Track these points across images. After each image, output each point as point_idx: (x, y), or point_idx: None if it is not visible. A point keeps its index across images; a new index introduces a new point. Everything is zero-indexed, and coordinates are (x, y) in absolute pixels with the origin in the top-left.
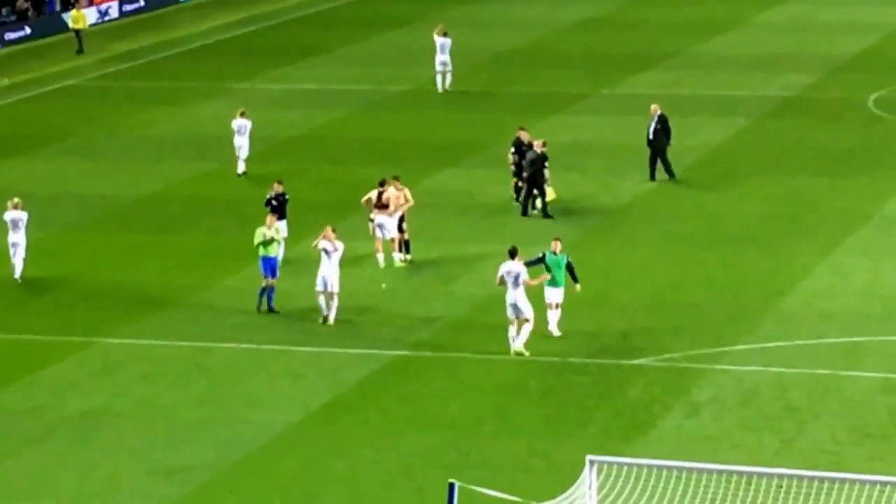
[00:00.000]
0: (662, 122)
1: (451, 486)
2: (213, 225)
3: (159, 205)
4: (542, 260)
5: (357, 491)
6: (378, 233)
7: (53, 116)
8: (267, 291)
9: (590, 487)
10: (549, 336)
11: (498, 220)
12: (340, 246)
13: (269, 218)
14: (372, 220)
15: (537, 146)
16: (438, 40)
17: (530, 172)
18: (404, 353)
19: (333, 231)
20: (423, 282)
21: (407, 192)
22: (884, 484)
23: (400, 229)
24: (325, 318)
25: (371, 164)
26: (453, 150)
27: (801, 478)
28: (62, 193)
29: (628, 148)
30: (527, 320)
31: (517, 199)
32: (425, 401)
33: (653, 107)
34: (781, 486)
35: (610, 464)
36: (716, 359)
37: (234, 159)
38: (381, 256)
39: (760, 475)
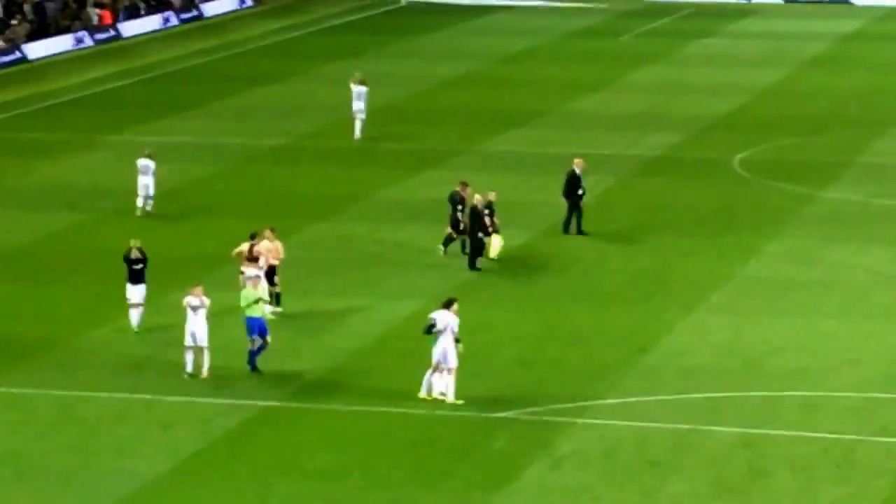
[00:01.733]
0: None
1: None
2: (85, 276)
3: (32, 255)
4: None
5: None
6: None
7: None
8: (257, 351)
9: None
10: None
11: (368, 274)
12: (207, 301)
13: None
14: (242, 273)
15: (478, 200)
16: (355, 88)
17: (470, 225)
18: (273, 403)
19: (199, 286)
20: (293, 334)
21: (279, 245)
22: None
23: (271, 282)
24: (192, 375)
25: (243, 217)
26: (325, 203)
27: None
28: None
29: (500, 204)
30: (450, 369)
31: (444, 246)
32: (293, 451)
33: (576, 161)
34: None
35: None
36: (579, 413)
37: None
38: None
39: None
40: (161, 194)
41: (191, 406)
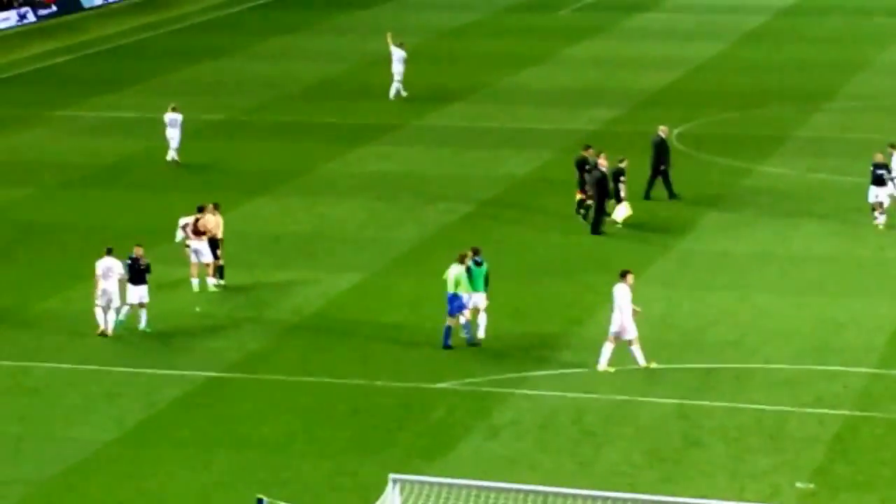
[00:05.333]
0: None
1: (260, 502)
2: (32, 249)
3: None
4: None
5: None
6: (193, 258)
7: None
8: (465, 328)
9: None
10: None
11: (308, 247)
12: (118, 267)
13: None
14: (188, 246)
15: (602, 165)
16: (395, 52)
17: (595, 190)
18: (217, 374)
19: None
20: (236, 306)
21: (220, 219)
22: None
23: (215, 255)
24: (104, 332)
25: (186, 191)
26: (265, 178)
27: (595, 499)
28: None
29: (436, 178)
30: (632, 339)
31: (578, 212)
32: (237, 421)
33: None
34: None
35: (412, 482)
36: (517, 384)
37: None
38: (195, 281)
39: (556, 495)
40: (103, 168)
41: (136, 376)
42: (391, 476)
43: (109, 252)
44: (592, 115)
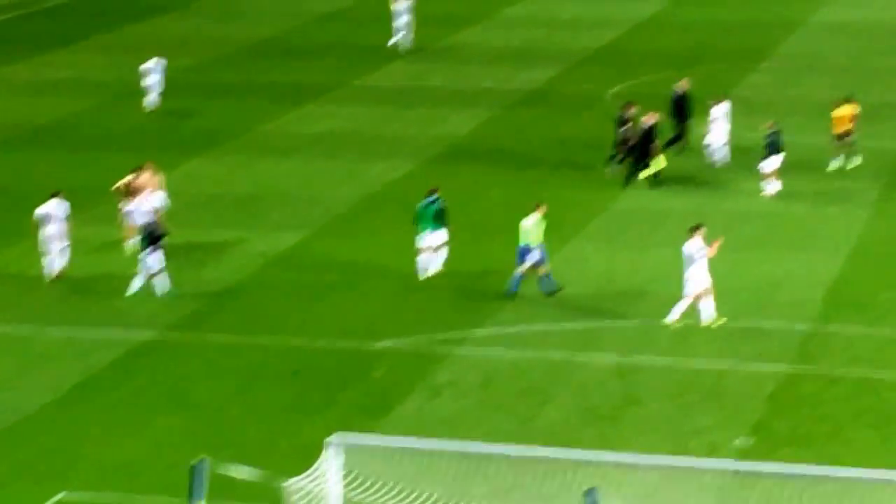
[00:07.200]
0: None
1: (199, 463)
2: None
3: None
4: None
5: (107, 470)
6: (129, 219)
7: None
8: (541, 278)
9: (333, 465)
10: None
11: (248, 207)
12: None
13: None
14: (122, 207)
15: (643, 122)
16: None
17: (630, 146)
18: (154, 336)
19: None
20: (174, 267)
21: (159, 178)
22: (612, 463)
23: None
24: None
25: (124, 151)
26: (206, 138)
27: (536, 456)
28: None
29: (378, 137)
30: (702, 293)
31: (609, 161)
32: (174, 383)
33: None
34: None
35: (352, 443)
36: (457, 343)
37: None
38: (131, 242)
39: (497, 454)
40: (39, 128)
41: (72, 339)
42: (331, 437)
43: (55, 195)
44: (531, 75)
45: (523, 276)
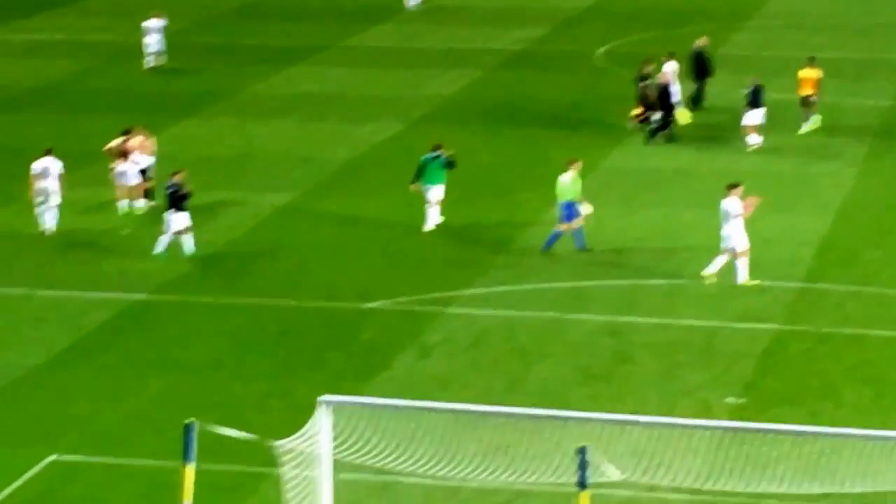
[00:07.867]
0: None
1: (190, 425)
2: None
3: None
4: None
5: (98, 431)
6: (120, 180)
7: None
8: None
9: (324, 426)
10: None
11: (237, 168)
12: (56, 166)
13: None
14: (112, 169)
15: (661, 77)
16: None
17: (649, 104)
18: (145, 297)
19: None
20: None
21: (152, 140)
22: (605, 421)
23: (144, 177)
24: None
25: (114, 113)
26: (195, 100)
27: (528, 416)
28: None
29: (365, 98)
30: (741, 252)
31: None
32: (165, 344)
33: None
34: None
35: (343, 403)
36: (447, 302)
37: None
38: (123, 203)
39: (489, 413)
40: (27, 90)
41: (64, 300)
42: (322, 397)
43: (48, 152)
44: (518, 35)
45: (562, 234)
